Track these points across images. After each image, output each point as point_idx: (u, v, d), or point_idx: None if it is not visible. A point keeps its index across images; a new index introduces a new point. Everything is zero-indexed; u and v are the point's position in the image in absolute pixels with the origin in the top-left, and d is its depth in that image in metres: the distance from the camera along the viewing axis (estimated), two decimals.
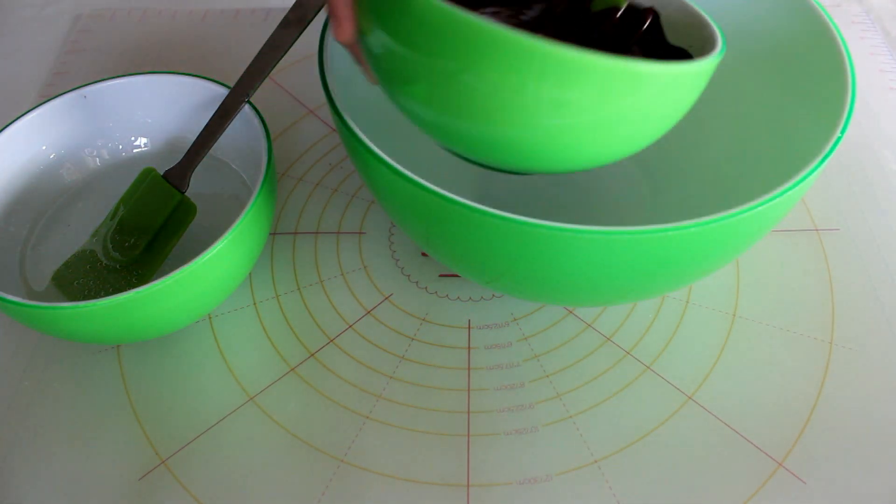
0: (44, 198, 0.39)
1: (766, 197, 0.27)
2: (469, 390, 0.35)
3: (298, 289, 0.39)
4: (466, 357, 0.36)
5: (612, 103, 0.25)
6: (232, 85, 0.36)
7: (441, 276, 0.39)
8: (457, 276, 0.39)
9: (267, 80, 0.48)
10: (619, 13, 0.31)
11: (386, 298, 0.38)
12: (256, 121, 0.36)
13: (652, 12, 0.31)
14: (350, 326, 0.37)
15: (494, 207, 0.27)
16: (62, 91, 0.38)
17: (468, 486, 0.32)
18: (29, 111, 0.37)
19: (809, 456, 0.32)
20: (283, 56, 0.35)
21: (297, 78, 0.49)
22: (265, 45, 0.35)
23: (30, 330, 0.37)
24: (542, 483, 0.32)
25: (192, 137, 0.36)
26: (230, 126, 0.35)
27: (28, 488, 0.32)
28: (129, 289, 0.30)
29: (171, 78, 0.39)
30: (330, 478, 0.32)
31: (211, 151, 0.39)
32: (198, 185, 0.37)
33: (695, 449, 0.33)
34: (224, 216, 0.35)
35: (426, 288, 0.38)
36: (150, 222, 0.36)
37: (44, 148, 0.39)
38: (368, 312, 0.38)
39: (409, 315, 0.38)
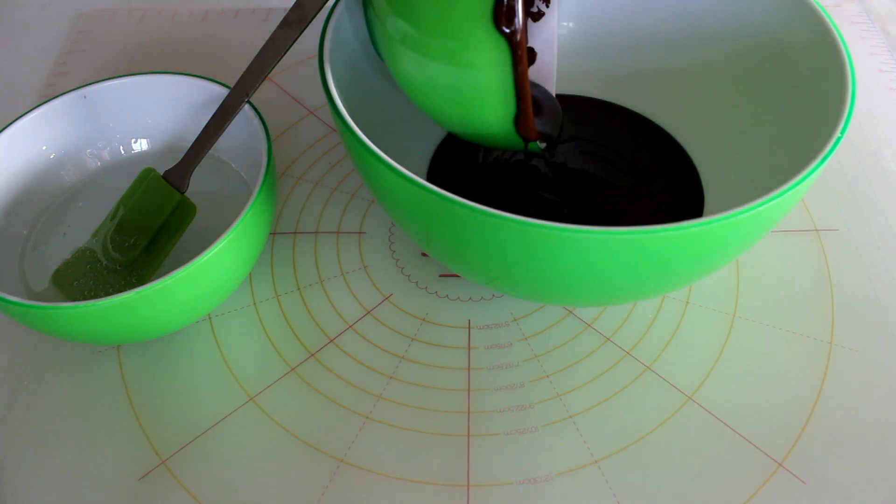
0: (44, 198, 0.39)
1: (766, 197, 0.27)
2: (469, 390, 0.35)
3: (298, 289, 0.39)
4: (466, 357, 0.36)
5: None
6: (232, 85, 0.36)
7: (441, 276, 0.39)
8: (457, 276, 0.39)
9: (267, 81, 0.49)
10: None
11: (386, 298, 0.38)
12: (256, 121, 0.36)
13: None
14: (350, 326, 0.37)
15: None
16: (62, 91, 0.38)
17: (468, 486, 0.32)
18: (29, 111, 0.37)
19: (809, 456, 0.32)
20: (283, 56, 0.35)
21: (297, 79, 0.49)
22: (265, 45, 0.35)
23: (30, 330, 0.37)
24: (542, 483, 0.32)
25: (192, 137, 0.36)
26: (230, 126, 0.35)
27: (28, 488, 0.32)
28: (129, 289, 0.30)
29: (171, 78, 0.39)
30: (330, 478, 0.32)
31: (211, 151, 0.39)
32: (198, 185, 0.37)
33: (695, 449, 0.33)
34: (224, 216, 0.35)
35: (426, 288, 0.38)
36: (149, 222, 0.36)
37: (44, 148, 0.39)
38: (368, 312, 0.38)
39: (409, 315, 0.38)
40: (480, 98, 0.32)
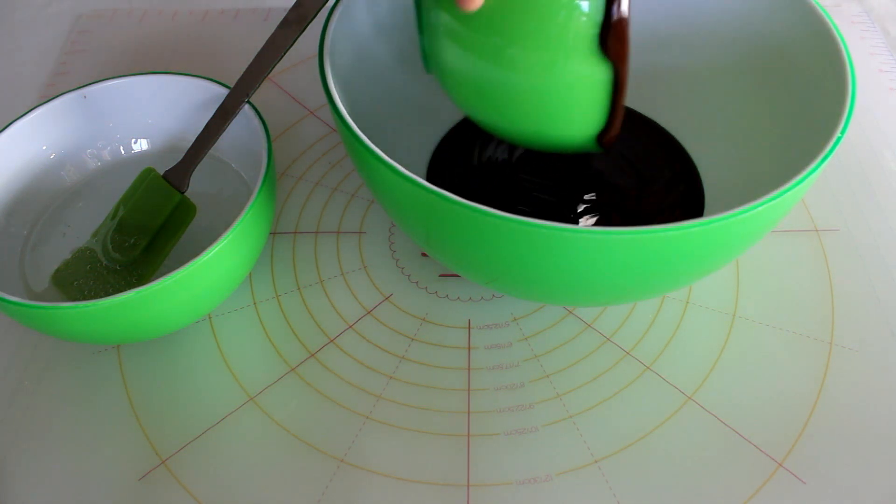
0: (44, 198, 0.39)
1: (766, 197, 0.27)
2: (469, 390, 0.35)
3: (298, 289, 0.39)
4: (466, 357, 0.36)
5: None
6: (232, 85, 0.36)
7: (441, 276, 0.39)
8: (457, 276, 0.39)
9: (267, 81, 0.49)
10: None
11: (386, 298, 0.38)
12: (256, 121, 0.36)
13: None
14: (350, 326, 0.37)
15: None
16: (62, 91, 0.38)
17: (468, 486, 0.32)
18: (29, 111, 0.37)
19: (809, 456, 0.32)
20: (283, 56, 0.35)
21: (297, 80, 0.49)
22: (265, 45, 0.35)
23: (30, 330, 0.37)
24: (542, 483, 0.32)
25: (192, 137, 0.36)
26: (230, 126, 0.35)
27: (28, 488, 0.32)
28: (129, 289, 0.30)
29: (171, 78, 0.39)
30: (330, 478, 0.32)
31: (211, 151, 0.39)
32: (198, 185, 0.37)
33: (695, 449, 0.33)
34: (224, 216, 0.35)
35: (426, 288, 0.38)
36: (149, 222, 0.36)
37: (44, 148, 0.39)
38: (368, 312, 0.38)
39: (409, 315, 0.38)
40: (569, 115, 0.31)
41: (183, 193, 0.36)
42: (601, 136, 0.32)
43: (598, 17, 0.28)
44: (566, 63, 0.29)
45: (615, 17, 0.27)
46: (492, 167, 0.41)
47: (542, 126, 0.32)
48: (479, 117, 0.33)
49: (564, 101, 0.30)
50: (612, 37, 0.28)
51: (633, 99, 0.43)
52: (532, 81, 0.30)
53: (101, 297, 0.30)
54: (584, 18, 0.28)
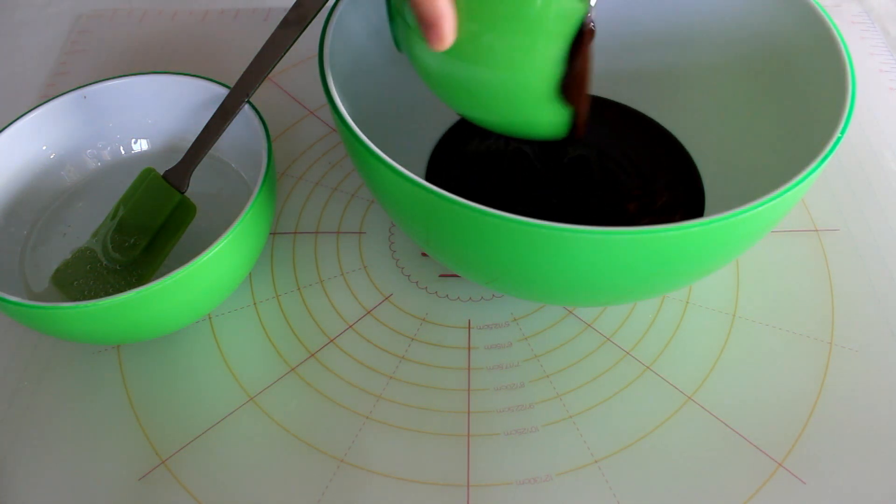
0: (44, 198, 0.39)
1: (766, 197, 0.27)
2: (469, 390, 0.35)
3: (298, 289, 0.39)
4: (466, 357, 0.36)
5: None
6: (232, 85, 0.36)
7: (441, 276, 0.39)
8: (457, 276, 0.39)
9: (267, 81, 0.49)
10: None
11: (386, 298, 0.38)
12: (256, 121, 0.36)
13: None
14: (350, 326, 0.37)
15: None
16: (62, 91, 0.38)
17: (468, 486, 0.32)
18: (29, 111, 0.37)
19: (809, 456, 0.32)
20: (283, 56, 0.35)
21: (297, 80, 0.49)
22: (265, 45, 0.35)
23: (30, 330, 0.37)
24: (542, 483, 0.32)
25: (192, 137, 0.36)
26: (230, 126, 0.35)
27: (28, 488, 0.32)
28: (129, 289, 0.30)
29: (171, 78, 0.39)
30: (330, 478, 0.32)
31: (211, 151, 0.39)
32: (198, 185, 0.37)
33: (695, 449, 0.33)
34: (224, 216, 0.35)
35: (426, 288, 0.38)
36: (149, 222, 0.36)
37: (44, 148, 0.39)
38: (368, 312, 0.38)
39: (409, 315, 0.38)
40: (531, 125, 0.32)
41: (183, 193, 0.36)
42: (565, 140, 0.33)
43: (559, 69, 0.29)
44: (526, 104, 0.31)
45: (577, 69, 0.29)
46: (491, 167, 0.41)
47: (504, 123, 0.33)
48: (446, 101, 0.35)
49: (525, 119, 0.32)
50: (572, 87, 0.29)
51: (634, 98, 0.43)
52: (494, 92, 0.31)
53: (101, 297, 0.30)
54: (546, 69, 0.29)
